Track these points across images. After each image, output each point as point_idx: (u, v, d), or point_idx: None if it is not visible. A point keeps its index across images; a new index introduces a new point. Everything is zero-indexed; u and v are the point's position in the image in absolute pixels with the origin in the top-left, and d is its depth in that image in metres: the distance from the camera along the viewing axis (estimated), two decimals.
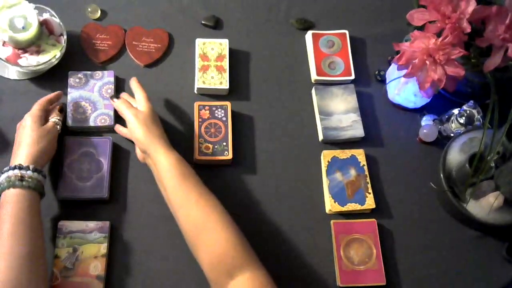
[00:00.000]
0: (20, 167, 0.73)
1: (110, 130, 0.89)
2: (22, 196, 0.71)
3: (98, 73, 0.93)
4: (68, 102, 0.89)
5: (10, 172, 0.73)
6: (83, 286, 0.76)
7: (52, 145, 0.81)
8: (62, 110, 0.86)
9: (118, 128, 0.88)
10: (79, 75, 0.92)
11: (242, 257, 0.69)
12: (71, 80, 0.91)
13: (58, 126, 0.83)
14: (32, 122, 0.79)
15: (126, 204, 0.85)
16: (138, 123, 0.80)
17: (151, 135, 0.79)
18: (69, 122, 0.88)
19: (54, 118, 0.84)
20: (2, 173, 0.74)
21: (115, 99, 0.86)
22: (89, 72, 0.92)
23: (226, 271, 0.68)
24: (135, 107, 0.83)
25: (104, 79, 0.92)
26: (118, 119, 0.88)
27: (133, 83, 0.87)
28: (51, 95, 0.86)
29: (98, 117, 0.89)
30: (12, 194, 0.71)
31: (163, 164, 0.76)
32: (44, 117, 0.82)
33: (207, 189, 0.76)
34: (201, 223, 0.72)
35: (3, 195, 0.72)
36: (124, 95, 0.89)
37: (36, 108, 0.82)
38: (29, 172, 0.74)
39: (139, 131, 0.79)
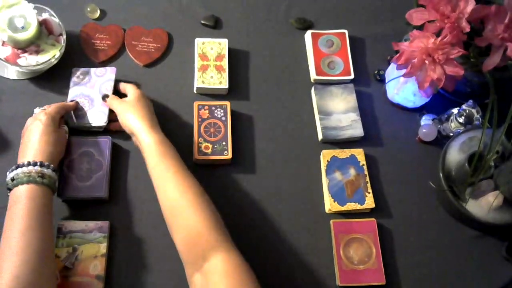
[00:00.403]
0: (42, 164, 0.74)
1: (104, 129, 0.89)
2: (38, 192, 0.72)
3: (101, 70, 0.93)
4: (68, 99, 0.90)
5: (30, 168, 0.73)
6: (83, 285, 0.76)
7: (63, 150, 0.83)
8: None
9: (112, 124, 0.89)
10: (83, 70, 0.93)
11: (216, 239, 0.70)
12: (74, 78, 0.92)
13: (66, 135, 0.85)
14: (52, 122, 0.80)
15: (125, 204, 0.85)
16: (124, 110, 0.83)
17: (136, 116, 0.82)
18: (73, 120, 0.88)
19: (64, 126, 0.85)
20: (20, 167, 0.73)
21: (107, 99, 0.88)
22: (93, 69, 0.93)
23: (199, 253, 0.68)
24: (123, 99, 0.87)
25: (106, 76, 0.92)
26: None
27: (121, 85, 0.91)
28: (70, 104, 0.87)
29: (94, 115, 0.88)
30: (28, 190, 0.71)
31: (145, 142, 0.79)
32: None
33: (186, 169, 0.77)
34: (176, 203, 0.73)
35: (16, 189, 0.72)
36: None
37: (56, 111, 0.82)
38: (49, 171, 0.74)
39: (124, 116, 0.83)
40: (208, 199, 0.75)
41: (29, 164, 0.73)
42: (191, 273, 0.69)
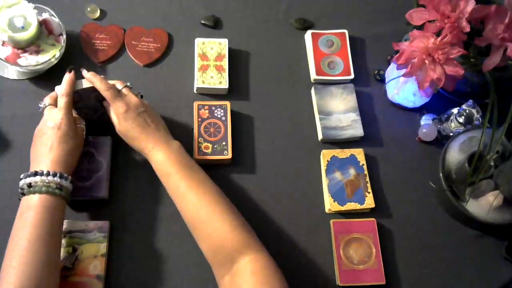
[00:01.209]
0: (61, 176, 0.72)
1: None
2: (54, 203, 0.71)
3: None
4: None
5: (50, 178, 0.71)
6: (83, 285, 0.76)
7: (80, 153, 0.81)
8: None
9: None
10: None
11: (241, 241, 0.70)
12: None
13: (84, 133, 0.82)
14: (70, 128, 0.76)
15: (126, 204, 0.85)
16: (120, 132, 0.80)
17: (131, 141, 0.80)
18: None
19: (81, 124, 0.82)
20: (39, 174, 0.71)
21: (84, 70, 0.81)
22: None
23: (227, 257, 0.69)
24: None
25: None
26: None
27: (104, 102, 0.82)
28: (71, 78, 0.79)
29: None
30: (44, 200, 0.70)
31: (151, 160, 0.78)
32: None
33: (200, 174, 0.77)
34: (196, 215, 0.73)
35: (31, 196, 0.70)
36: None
37: (68, 106, 0.77)
38: (67, 182, 0.73)
39: (123, 135, 0.80)
40: (228, 202, 0.75)
41: (48, 174, 0.71)
42: (220, 275, 0.70)
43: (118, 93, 0.79)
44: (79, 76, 0.81)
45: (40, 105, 0.80)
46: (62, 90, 0.78)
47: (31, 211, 0.69)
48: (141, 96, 0.84)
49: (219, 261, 0.70)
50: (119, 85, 0.81)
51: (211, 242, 0.71)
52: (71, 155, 0.76)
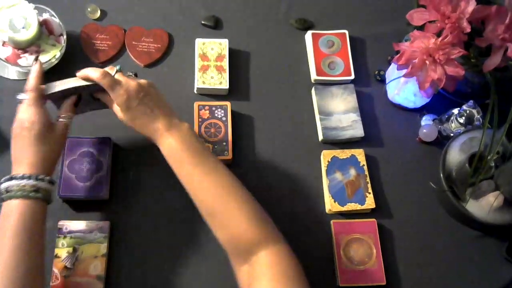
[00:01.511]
0: (36, 178, 0.68)
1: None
2: (32, 207, 0.67)
3: None
4: None
5: (24, 181, 0.67)
6: (83, 286, 0.76)
7: (61, 149, 0.76)
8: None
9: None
10: None
11: (259, 232, 0.68)
12: None
13: (68, 128, 0.76)
14: (43, 129, 0.71)
15: (125, 204, 0.85)
16: (124, 117, 0.75)
17: (138, 127, 0.75)
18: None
19: (65, 116, 0.75)
20: (14, 178, 0.68)
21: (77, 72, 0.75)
22: None
23: (245, 248, 0.67)
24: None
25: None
26: None
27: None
28: (38, 70, 0.74)
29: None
30: (20, 205, 0.66)
31: (162, 148, 0.74)
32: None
33: (214, 162, 0.73)
34: (211, 204, 0.70)
35: (9, 202, 0.67)
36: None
37: (37, 110, 0.72)
38: (44, 183, 0.69)
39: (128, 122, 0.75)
40: (242, 189, 0.72)
41: (23, 177, 0.68)
42: (238, 263, 0.68)
43: (114, 80, 0.73)
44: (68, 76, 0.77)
45: (17, 97, 0.74)
46: (29, 85, 0.73)
47: (10, 218, 0.66)
48: (136, 75, 0.79)
49: (236, 251, 0.69)
50: (110, 71, 0.75)
51: (228, 232, 0.69)
52: (49, 154, 0.72)
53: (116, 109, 0.75)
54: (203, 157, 0.73)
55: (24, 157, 0.70)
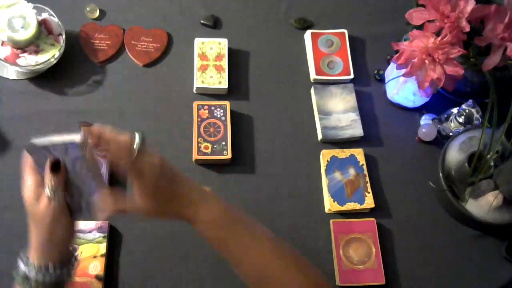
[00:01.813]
0: (40, 269, 0.55)
1: None
2: None
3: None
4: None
5: (32, 273, 0.55)
6: (83, 285, 0.76)
7: (57, 227, 0.56)
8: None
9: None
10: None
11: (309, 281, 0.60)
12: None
13: (53, 202, 0.54)
14: (27, 204, 0.55)
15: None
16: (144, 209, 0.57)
17: (168, 213, 0.60)
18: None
19: (46, 188, 0.54)
20: (24, 263, 0.56)
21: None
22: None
23: None
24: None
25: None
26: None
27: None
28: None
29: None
30: None
31: (197, 228, 0.61)
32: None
33: (259, 229, 0.64)
34: (262, 269, 0.61)
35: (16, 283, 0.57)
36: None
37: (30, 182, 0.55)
38: (48, 277, 0.55)
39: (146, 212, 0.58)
40: (289, 250, 0.63)
41: (27, 263, 0.56)
42: None
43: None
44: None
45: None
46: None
47: None
48: (143, 139, 0.55)
49: None
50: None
51: None
52: (35, 236, 0.56)
53: (137, 200, 0.56)
54: (244, 226, 0.63)
55: (37, 246, 0.57)
